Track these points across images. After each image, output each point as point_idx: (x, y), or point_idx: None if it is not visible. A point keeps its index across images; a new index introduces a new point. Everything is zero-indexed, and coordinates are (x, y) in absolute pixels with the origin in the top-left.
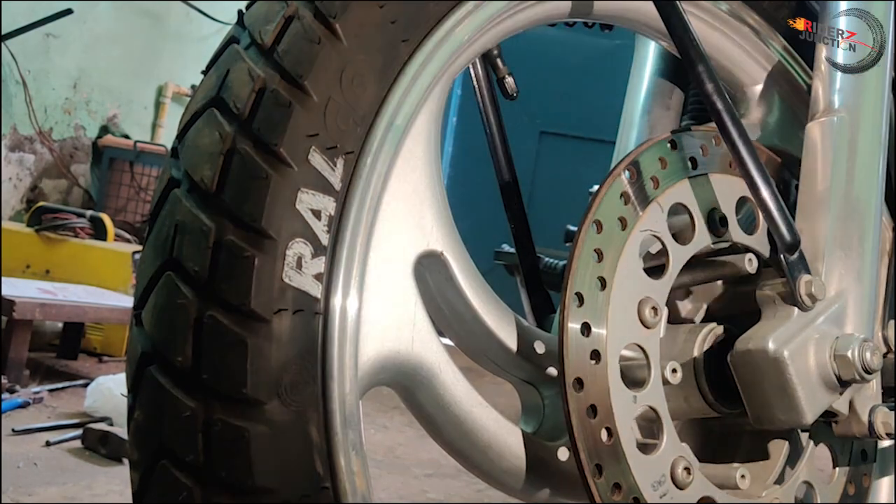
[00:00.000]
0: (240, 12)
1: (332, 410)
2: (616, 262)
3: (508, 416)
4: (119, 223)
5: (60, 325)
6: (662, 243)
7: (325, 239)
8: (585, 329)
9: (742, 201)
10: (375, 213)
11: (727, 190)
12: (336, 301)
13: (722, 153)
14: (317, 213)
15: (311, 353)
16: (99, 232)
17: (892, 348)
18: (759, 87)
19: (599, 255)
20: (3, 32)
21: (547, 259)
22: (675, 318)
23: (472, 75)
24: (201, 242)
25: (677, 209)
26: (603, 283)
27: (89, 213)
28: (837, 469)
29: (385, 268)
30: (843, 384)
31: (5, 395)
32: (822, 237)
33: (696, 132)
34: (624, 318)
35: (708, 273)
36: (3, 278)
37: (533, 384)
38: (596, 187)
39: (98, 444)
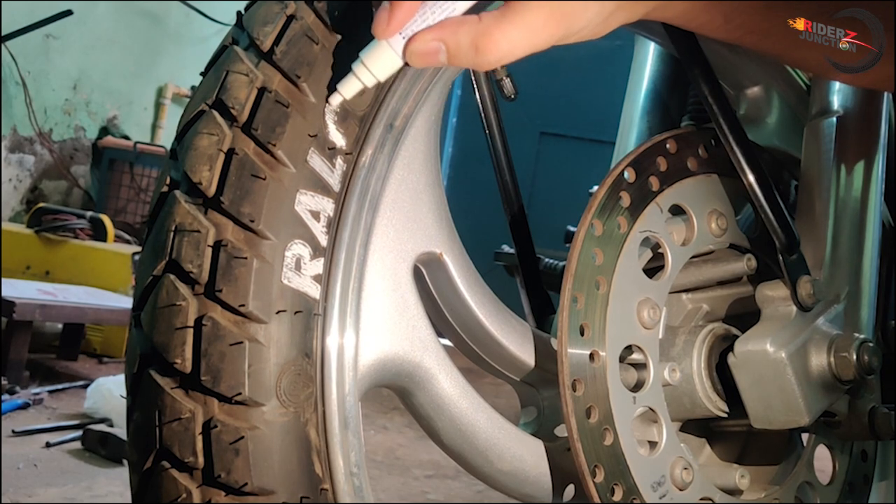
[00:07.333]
0: (239, 13)
1: (331, 412)
2: (615, 263)
3: (507, 417)
4: (119, 224)
5: (60, 326)
6: (661, 244)
7: (323, 240)
8: (584, 330)
9: (741, 202)
10: (374, 215)
11: (726, 190)
12: (335, 302)
13: (721, 154)
14: (315, 215)
15: (310, 355)
16: (99, 233)
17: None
18: (758, 88)
19: (599, 256)
20: (3, 33)
21: (547, 260)
22: (674, 319)
23: (472, 76)
24: (200, 244)
25: (676, 210)
26: (602, 284)
27: (89, 214)
28: (837, 469)
29: (384, 269)
30: (843, 384)
31: (5, 397)
32: (822, 237)
33: (695, 133)
34: (623, 319)
35: (707, 274)
36: (3, 279)
37: (532, 385)
38: (596, 188)
39: (98, 446)
